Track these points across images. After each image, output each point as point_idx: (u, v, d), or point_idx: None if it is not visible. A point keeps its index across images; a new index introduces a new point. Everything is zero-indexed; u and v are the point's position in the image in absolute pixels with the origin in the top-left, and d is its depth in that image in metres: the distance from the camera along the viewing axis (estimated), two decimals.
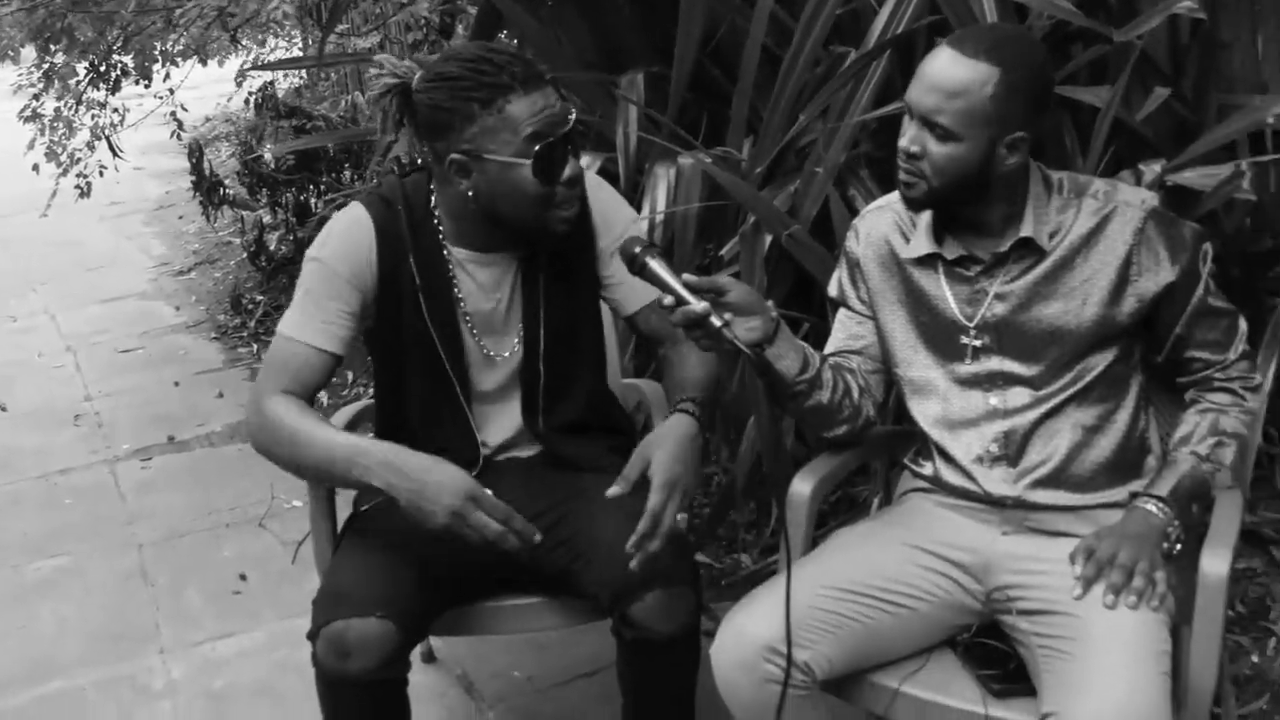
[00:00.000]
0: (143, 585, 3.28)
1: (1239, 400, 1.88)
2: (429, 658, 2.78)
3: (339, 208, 2.11)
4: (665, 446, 1.86)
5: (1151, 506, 1.78)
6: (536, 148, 1.85)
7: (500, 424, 2.11)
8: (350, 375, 4.32)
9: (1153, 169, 2.49)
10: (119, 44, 5.70)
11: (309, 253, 2.02)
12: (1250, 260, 2.70)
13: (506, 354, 2.07)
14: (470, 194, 1.92)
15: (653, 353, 2.13)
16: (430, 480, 1.80)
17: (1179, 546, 1.77)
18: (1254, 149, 2.81)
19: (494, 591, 2.08)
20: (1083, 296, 1.82)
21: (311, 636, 1.89)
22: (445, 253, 2.02)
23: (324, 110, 6.60)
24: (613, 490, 1.82)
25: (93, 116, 6.08)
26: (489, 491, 1.81)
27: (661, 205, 2.85)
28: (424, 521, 1.80)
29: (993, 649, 1.84)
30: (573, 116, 1.90)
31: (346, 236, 2.00)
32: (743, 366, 2.74)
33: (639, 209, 2.87)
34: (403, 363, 2.06)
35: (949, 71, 1.73)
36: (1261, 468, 2.75)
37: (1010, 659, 1.81)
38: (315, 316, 1.97)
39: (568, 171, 1.90)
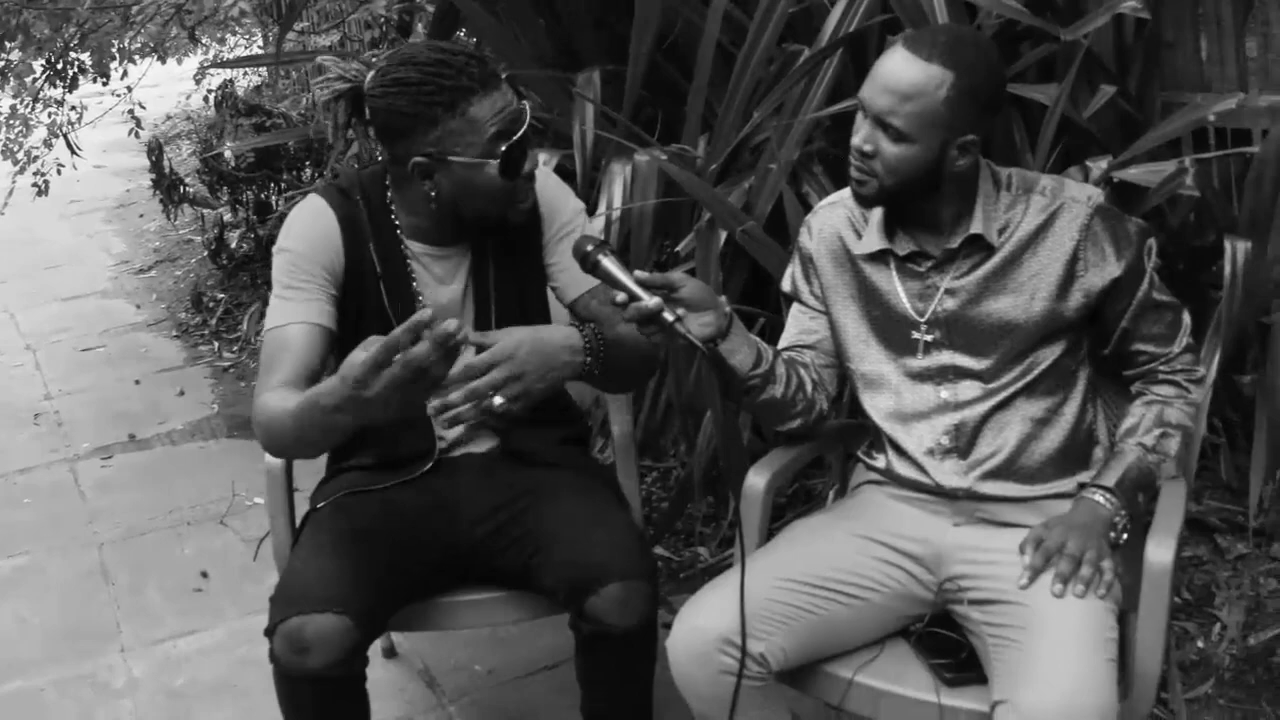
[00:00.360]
0: (103, 584, 3.24)
1: (1183, 392, 1.90)
2: (390, 653, 2.77)
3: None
4: (530, 331, 1.80)
5: (1099, 497, 1.79)
6: (502, 147, 1.85)
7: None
8: None
9: (1099, 165, 2.51)
10: (76, 41, 5.62)
11: (275, 247, 1.99)
12: (1194, 255, 2.73)
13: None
14: (433, 194, 1.91)
15: None
16: (344, 396, 1.59)
17: (1125, 536, 1.78)
18: (1197, 146, 2.85)
19: (452, 586, 2.07)
20: (1031, 291, 1.83)
21: (269, 633, 1.87)
22: (403, 245, 2.01)
23: (284, 108, 6.53)
24: (451, 321, 1.53)
25: (50, 114, 6.00)
26: (375, 339, 1.57)
27: (618, 202, 2.84)
28: (392, 417, 1.64)
29: (945, 638, 1.85)
30: (528, 111, 1.90)
31: (310, 224, 1.98)
32: (699, 362, 2.74)
33: (595, 206, 2.87)
34: None
35: (903, 73, 1.73)
36: (1206, 458, 2.78)
37: (962, 648, 1.82)
38: (295, 299, 1.92)
39: (528, 166, 1.90)
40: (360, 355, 1.56)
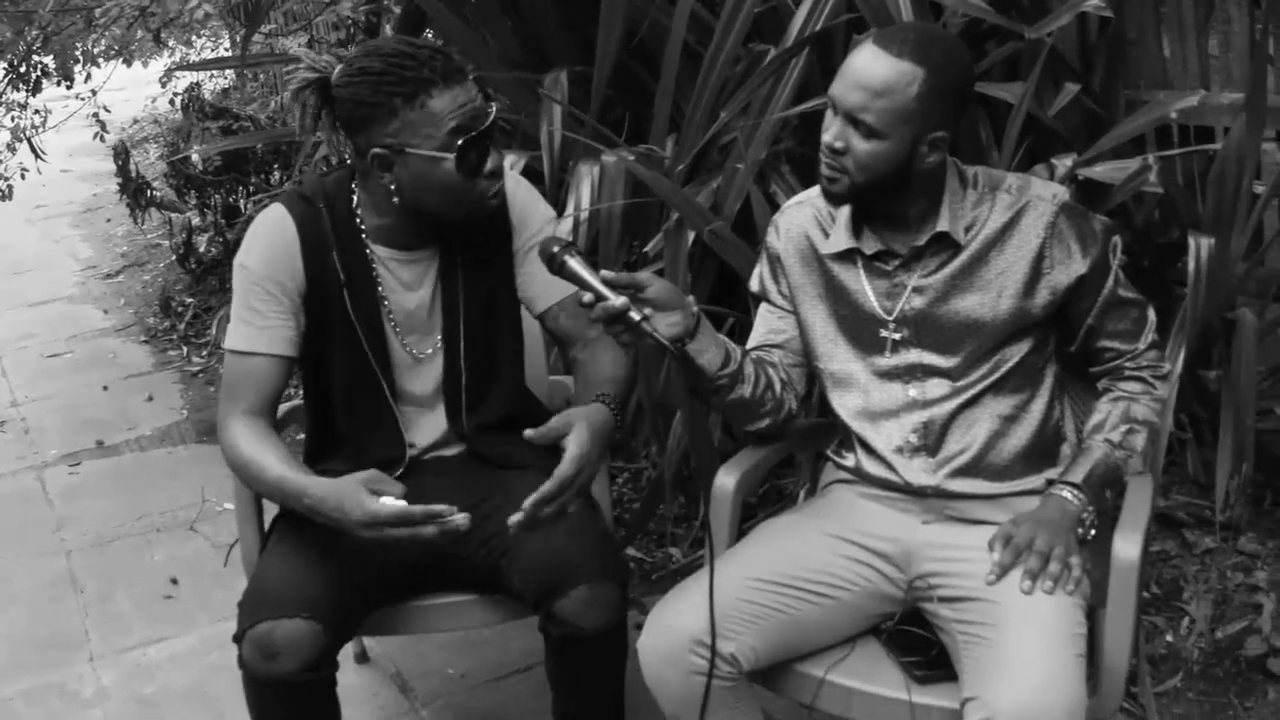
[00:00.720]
0: (71, 592, 3.21)
1: (1149, 388, 1.90)
2: (362, 658, 2.75)
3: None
4: (586, 424, 1.83)
5: (1067, 493, 1.80)
6: (459, 141, 1.84)
7: (428, 425, 2.09)
8: None
9: (1064, 163, 2.53)
10: (38, 44, 5.56)
11: (236, 259, 1.99)
12: (1159, 251, 2.74)
13: (429, 351, 2.05)
14: (393, 188, 1.90)
15: (563, 353, 2.12)
16: (343, 520, 1.77)
17: (1093, 531, 1.79)
18: (1161, 143, 2.87)
19: (422, 590, 2.06)
20: (998, 289, 1.83)
21: (238, 639, 1.86)
22: (368, 250, 1.99)
23: (252, 111, 6.49)
24: (530, 432, 1.80)
25: (13, 118, 5.93)
26: (394, 503, 1.74)
27: (586, 203, 2.84)
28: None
29: (915, 636, 1.85)
30: (493, 111, 1.89)
31: (270, 239, 1.97)
32: (668, 362, 2.74)
33: (564, 207, 2.86)
34: (329, 364, 2.03)
35: (875, 70, 1.73)
36: (1173, 453, 2.79)
37: (932, 645, 1.83)
38: (255, 323, 1.96)
39: (490, 164, 1.89)
40: (368, 504, 1.74)
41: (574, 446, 1.79)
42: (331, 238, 1.97)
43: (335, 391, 2.05)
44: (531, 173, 2.96)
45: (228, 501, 3.54)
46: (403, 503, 1.74)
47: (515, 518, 1.75)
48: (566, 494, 1.78)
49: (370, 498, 1.75)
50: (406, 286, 2.02)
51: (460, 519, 1.73)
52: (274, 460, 1.89)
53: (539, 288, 2.05)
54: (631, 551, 3.05)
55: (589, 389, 1.97)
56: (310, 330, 2.00)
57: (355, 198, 2.00)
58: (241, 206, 5.79)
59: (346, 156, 2.09)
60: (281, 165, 5.68)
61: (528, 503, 1.75)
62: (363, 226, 1.99)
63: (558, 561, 1.87)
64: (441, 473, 2.07)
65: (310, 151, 4.07)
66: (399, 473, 2.04)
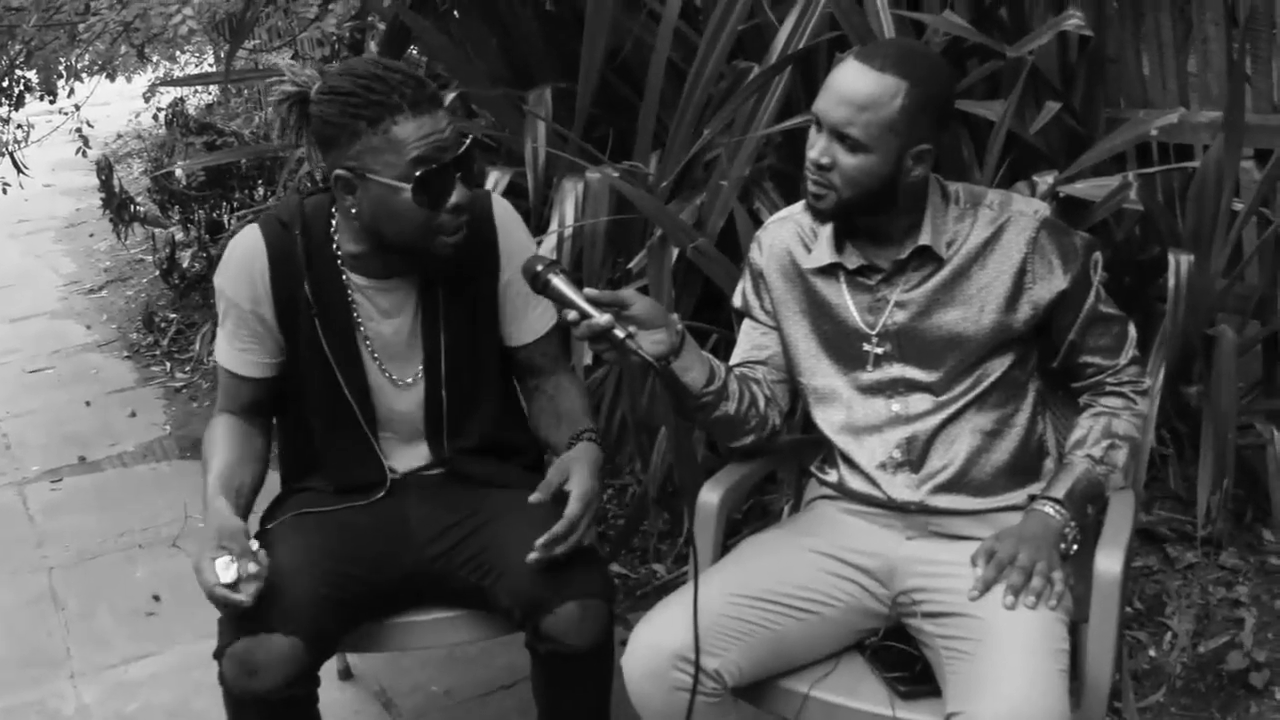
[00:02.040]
0: (53, 609, 3.18)
1: (1130, 404, 1.91)
2: (346, 674, 2.73)
3: (249, 222, 2.09)
4: (584, 463, 1.90)
5: (1049, 509, 1.80)
6: (418, 172, 1.82)
7: (409, 450, 2.09)
8: None
9: (1045, 180, 2.54)
10: (22, 59, 5.54)
11: (215, 278, 2.04)
12: (1140, 268, 2.75)
13: (410, 379, 2.04)
14: (354, 211, 1.89)
15: (524, 382, 2.16)
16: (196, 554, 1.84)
17: (1076, 547, 1.79)
18: (1141, 161, 2.88)
19: (406, 606, 2.05)
20: (980, 303, 1.84)
21: (218, 655, 1.85)
22: (344, 277, 1.98)
23: (236, 126, 6.49)
24: (535, 496, 1.86)
25: None
26: (225, 571, 1.79)
27: (570, 219, 2.84)
28: None
29: (899, 652, 1.85)
30: (465, 143, 1.87)
31: (241, 263, 1.99)
32: (652, 379, 2.74)
33: (547, 224, 2.86)
34: (303, 389, 2.03)
35: (859, 84, 1.74)
36: (1155, 468, 2.80)
37: (916, 661, 1.83)
38: (232, 344, 2.03)
39: (453, 199, 1.86)
40: (203, 563, 1.80)
41: (578, 487, 1.86)
42: (303, 264, 1.97)
43: (311, 415, 2.05)
44: (516, 189, 2.96)
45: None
46: (233, 570, 1.78)
47: (533, 556, 1.83)
48: (578, 531, 1.84)
49: (209, 563, 1.79)
50: (385, 314, 2.01)
51: (243, 598, 1.77)
52: (217, 462, 1.99)
53: (522, 326, 2.07)
54: (616, 568, 3.04)
55: (563, 422, 2.03)
56: (288, 347, 2.01)
57: (334, 223, 1.99)
58: (225, 222, 5.78)
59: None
60: (265, 181, 5.67)
61: (540, 542, 1.82)
62: (339, 252, 1.98)
63: (545, 578, 1.87)
64: (424, 493, 2.06)
65: (295, 167, 4.07)
66: (380, 495, 2.04)
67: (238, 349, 2.02)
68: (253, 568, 1.79)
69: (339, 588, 1.92)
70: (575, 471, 1.88)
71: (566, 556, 1.85)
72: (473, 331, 2.04)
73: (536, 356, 2.08)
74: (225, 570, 1.78)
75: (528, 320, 2.06)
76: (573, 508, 1.84)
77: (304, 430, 2.07)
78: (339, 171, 1.85)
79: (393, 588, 2.00)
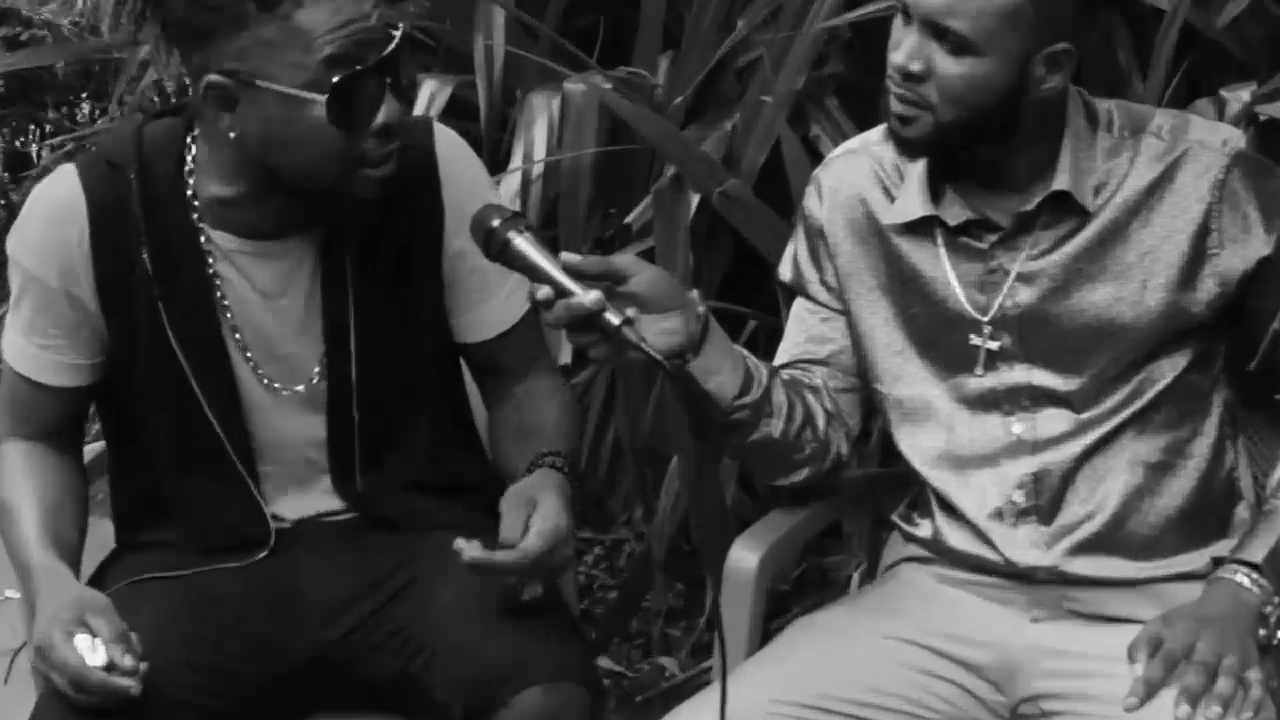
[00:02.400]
0: None
1: None
2: None
3: (67, 157, 2.08)
4: (556, 492, 1.89)
5: (1242, 578, 1.81)
6: (335, 79, 1.81)
7: (301, 491, 2.09)
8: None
9: (1239, 96, 2.54)
10: None
11: (8, 241, 2.01)
12: None
13: (300, 388, 2.04)
14: (233, 136, 1.88)
15: (486, 386, 2.17)
16: (33, 628, 1.86)
17: None
18: None
19: (300, 710, 2.05)
20: (1142, 277, 1.85)
21: None
22: (202, 239, 1.98)
23: (49, 14, 6.50)
24: (464, 545, 1.82)
25: None
26: (90, 651, 1.79)
27: (540, 151, 2.84)
28: None
29: None
30: (396, 34, 1.87)
31: (47, 222, 1.99)
32: (661, 385, 2.74)
33: (509, 157, 2.87)
34: (142, 404, 2.04)
35: None
36: None
37: None
38: (30, 340, 2.01)
39: (381, 117, 1.86)
40: (57, 642, 1.80)
41: (546, 520, 1.85)
42: (141, 220, 1.96)
43: (153, 445, 2.05)
44: (459, 107, 2.96)
45: (9, 588, 3.52)
46: (101, 652, 1.77)
47: (469, 555, 1.82)
48: (532, 574, 1.85)
49: (64, 639, 1.79)
50: (264, 294, 2.01)
51: (130, 684, 1.77)
52: (29, 508, 2.01)
53: (478, 313, 2.06)
54: (607, 662, 3.05)
55: (528, 440, 2.02)
56: (114, 351, 2.01)
57: (189, 159, 1.99)
58: (34, 155, 5.79)
59: (189, 86, 2.08)
60: (92, 95, 5.68)
61: (468, 557, 1.80)
62: (195, 202, 1.98)
63: (497, 658, 1.86)
64: (324, 547, 2.07)
65: (135, 75, 4.07)
66: (263, 555, 2.04)
67: (38, 345, 2.00)
68: (128, 661, 1.78)
69: (197, 686, 1.91)
70: (543, 500, 1.87)
71: (526, 612, 1.87)
72: (400, 318, 2.04)
73: (502, 355, 2.08)
74: (91, 652, 1.78)
75: (488, 308, 2.04)
76: (531, 542, 1.82)
77: (145, 463, 2.07)
78: (212, 78, 1.84)
79: (278, 682, 1.99)
